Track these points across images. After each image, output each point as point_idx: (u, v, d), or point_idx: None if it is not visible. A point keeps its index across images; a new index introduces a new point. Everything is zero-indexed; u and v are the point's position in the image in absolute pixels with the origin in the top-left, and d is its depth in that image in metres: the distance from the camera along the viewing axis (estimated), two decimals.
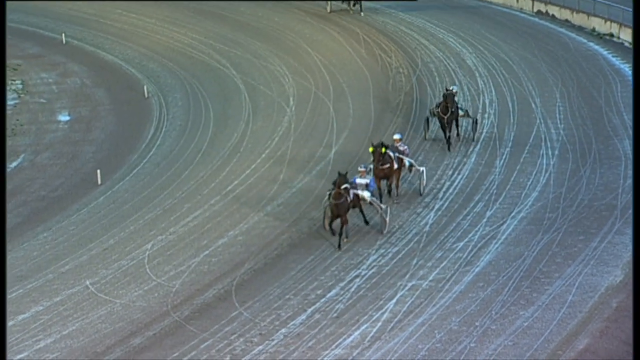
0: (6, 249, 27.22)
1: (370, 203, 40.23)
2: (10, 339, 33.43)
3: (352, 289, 36.21)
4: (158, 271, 37.94)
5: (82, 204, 46.35)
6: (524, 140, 50.36)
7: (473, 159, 48.17)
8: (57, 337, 33.47)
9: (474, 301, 34.50)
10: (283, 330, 33.53)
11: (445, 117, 47.85)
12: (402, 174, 44.18)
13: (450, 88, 50.32)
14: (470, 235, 40.03)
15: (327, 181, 45.43)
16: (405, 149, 44.31)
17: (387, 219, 40.22)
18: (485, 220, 41.38)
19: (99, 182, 48.43)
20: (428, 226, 41.26)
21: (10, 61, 66.42)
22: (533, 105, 55.28)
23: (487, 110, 54.71)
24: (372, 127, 53.36)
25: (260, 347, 32.41)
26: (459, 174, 46.65)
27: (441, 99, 49.66)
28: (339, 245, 38.83)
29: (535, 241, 38.95)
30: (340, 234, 39.03)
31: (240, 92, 59.93)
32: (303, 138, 52.43)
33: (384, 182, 43.08)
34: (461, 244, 39.43)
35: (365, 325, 33.50)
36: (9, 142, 54.39)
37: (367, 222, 40.93)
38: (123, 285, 37.34)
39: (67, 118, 59.71)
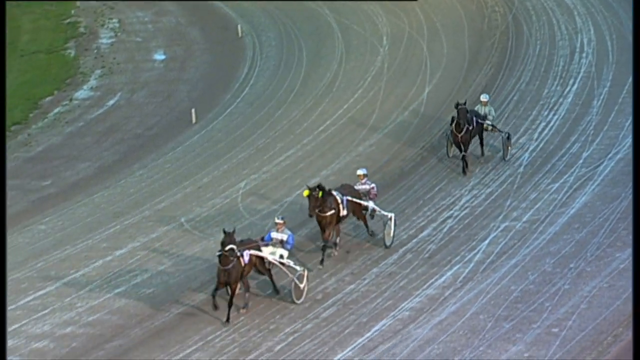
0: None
1: (283, 264, 31.41)
2: (108, 273, 34.25)
3: (445, 230, 36.21)
4: (251, 209, 38.24)
5: (177, 142, 46.83)
6: (623, 80, 49.07)
7: (570, 99, 47.50)
8: (153, 273, 33.93)
9: (568, 243, 34.27)
10: (375, 270, 33.67)
11: (460, 136, 39.41)
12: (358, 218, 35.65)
13: (482, 99, 42.35)
14: (565, 177, 39.65)
15: (421, 121, 45.76)
16: (372, 188, 35.31)
17: (303, 286, 31.42)
18: (581, 161, 40.91)
19: (194, 120, 48.81)
20: (522, 167, 40.96)
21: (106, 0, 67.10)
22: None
23: (585, 49, 53.77)
24: (467, 66, 52.87)
25: (352, 286, 32.59)
26: (555, 114, 46.14)
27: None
28: (227, 319, 30.35)
29: None
30: (230, 305, 30.40)
31: (334, 32, 59.64)
32: (396, 78, 52.16)
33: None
34: (556, 185, 39.14)
35: (458, 266, 33.51)
36: (106, 81, 55.12)
37: (277, 291, 32.00)
38: (217, 223, 37.61)
39: (163, 57, 60.01)
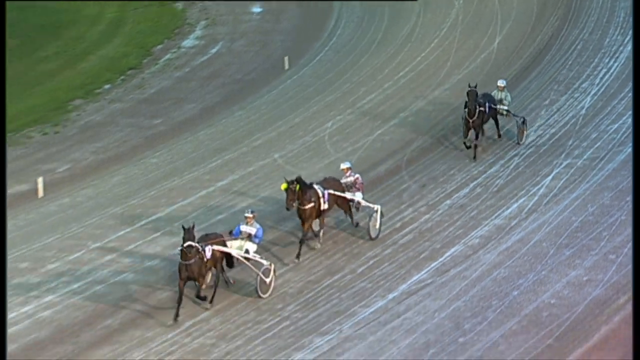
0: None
1: (248, 259, 27.46)
2: (210, 202, 34.62)
3: (511, 166, 35.94)
4: (337, 147, 38.21)
5: (271, 86, 46.93)
6: None
7: (629, 47, 46.61)
8: (250, 202, 34.01)
9: (625, 178, 33.82)
10: (448, 202, 33.54)
11: (472, 121, 35.06)
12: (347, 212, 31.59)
13: (499, 84, 37.74)
14: (624, 118, 39.07)
15: (492, 68, 45.36)
16: (357, 179, 30.88)
17: (269, 280, 27.59)
18: None
19: (286, 67, 48.88)
20: (584, 110, 40.48)
21: None
22: None
23: None
24: (534, 18, 52.19)
25: (427, 216, 32.50)
26: (615, 61, 45.45)
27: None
28: (175, 317, 26.50)
29: None
30: (199, 297, 26.94)
31: None
32: (469, 29, 51.70)
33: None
34: (615, 125, 38.66)
35: (523, 199, 33.27)
36: (210, 31, 55.48)
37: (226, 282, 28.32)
38: (306, 159, 37.84)
39: (259, 10, 60.10)
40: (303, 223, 28.87)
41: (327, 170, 34.95)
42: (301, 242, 29.40)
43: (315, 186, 28.82)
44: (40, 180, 36.30)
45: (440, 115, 41.43)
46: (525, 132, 37.24)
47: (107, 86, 48.12)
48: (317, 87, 46.21)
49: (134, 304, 27.92)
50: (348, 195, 30.28)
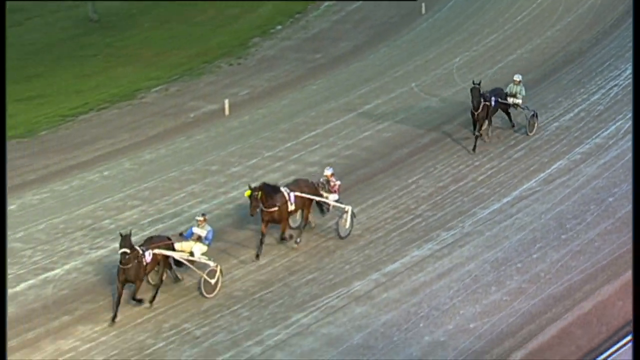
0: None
1: (192, 262, 23.10)
2: (360, 121, 34.89)
3: (611, 95, 35.33)
4: (464, 78, 37.93)
5: (410, 28, 46.83)
6: None
7: None
8: (389, 124, 34.36)
9: None
10: (555, 124, 33.20)
11: (476, 114, 30.44)
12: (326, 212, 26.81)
13: (515, 79, 32.45)
14: None
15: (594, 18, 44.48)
16: (336, 185, 26.06)
17: (214, 282, 23.17)
18: None
19: (423, 12, 48.58)
20: None
21: None
22: None
23: None
24: None
25: (537, 136, 32.27)
26: None
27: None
28: (113, 317, 22.25)
29: None
30: (136, 299, 22.62)
31: None
32: None
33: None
34: None
35: (621, 122, 32.78)
36: None
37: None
38: (437, 88, 37.92)
39: None
40: (265, 225, 24.33)
41: (454, 97, 34.97)
42: (283, 234, 25.13)
43: (283, 189, 24.53)
44: (226, 101, 36.97)
45: (551, 52, 41.28)
46: (536, 124, 32.20)
47: (279, 27, 48.45)
48: (448, 28, 46.03)
49: None
50: (315, 198, 25.59)
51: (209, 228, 22.97)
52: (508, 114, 32.13)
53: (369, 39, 46.05)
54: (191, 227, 23.22)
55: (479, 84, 30.34)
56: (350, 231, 25.74)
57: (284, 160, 31.24)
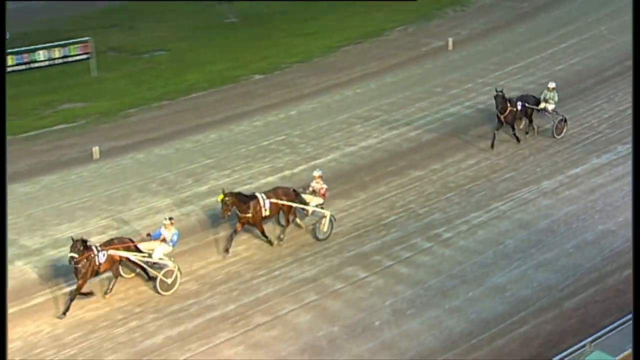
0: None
1: (147, 263, 19.29)
2: (554, 57, 34.01)
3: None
4: None
5: None
6: None
7: None
8: (579, 59, 33.60)
9: None
10: None
11: (502, 117, 25.88)
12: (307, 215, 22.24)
13: (549, 86, 26.88)
14: None
15: None
16: (322, 189, 21.71)
17: (171, 281, 19.31)
18: None
19: None
20: None
21: None
22: None
23: None
24: None
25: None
26: None
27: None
28: (64, 312, 18.48)
29: None
30: (71, 298, 18.66)
31: None
32: None
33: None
34: None
35: None
36: None
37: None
38: (623, 32, 35.22)
39: None
40: (241, 225, 20.84)
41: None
42: (263, 234, 21.32)
43: (259, 195, 20.83)
44: (450, 39, 36.99)
45: None
46: (564, 129, 26.81)
47: None
48: None
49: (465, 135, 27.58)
50: (292, 204, 21.45)
51: (174, 231, 19.34)
52: (530, 120, 26.66)
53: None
54: (159, 229, 19.45)
55: (501, 91, 25.73)
56: (328, 234, 21.39)
57: (492, 86, 31.16)
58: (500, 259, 20.22)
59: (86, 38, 33.82)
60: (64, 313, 18.38)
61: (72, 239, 18.27)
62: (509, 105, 25.65)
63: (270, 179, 24.53)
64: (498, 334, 17.56)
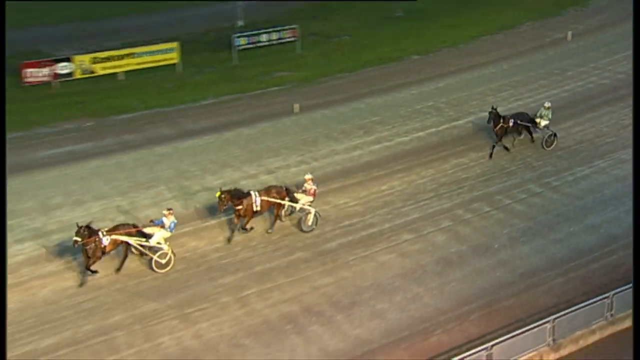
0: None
1: (144, 247, 16.92)
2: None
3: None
4: None
5: None
6: None
7: None
8: None
9: None
10: None
11: (495, 129, 22.07)
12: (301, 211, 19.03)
13: (545, 105, 22.74)
14: None
15: None
16: (312, 189, 18.70)
17: (165, 262, 16.99)
18: None
19: None
20: None
21: None
22: None
23: None
24: None
25: None
26: None
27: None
28: (81, 283, 16.44)
29: None
30: (86, 268, 16.50)
31: None
32: None
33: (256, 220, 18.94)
34: None
35: None
36: None
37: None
38: None
39: None
40: (237, 218, 18.17)
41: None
42: (243, 228, 18.44)
43: (252, 193, 18.17)
44: (569, 32, 34.59)
45: None
46: (554, 142, 22.68)
47: None
48: None
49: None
50: (282, 202, 18.49)
51: (173, 219, 17.11)
52: (529, 132, 22.75)
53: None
54: (162, 217, 17.11)
55: (495, 109, 21.98)
56: (312, 228, 18.54)
57: (602, 70, 29.08)
58: (597, 204, 19.25)
59: (294, 26, 34.29)
60: (89, 271, 16.19)
61: (77, 225, 15.98)
62: (500, 121, 21.84)
63: (420, 133, 24.09)
64: (592, 260, 16.88)
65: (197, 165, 21.96)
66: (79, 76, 28.45)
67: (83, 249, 16.17)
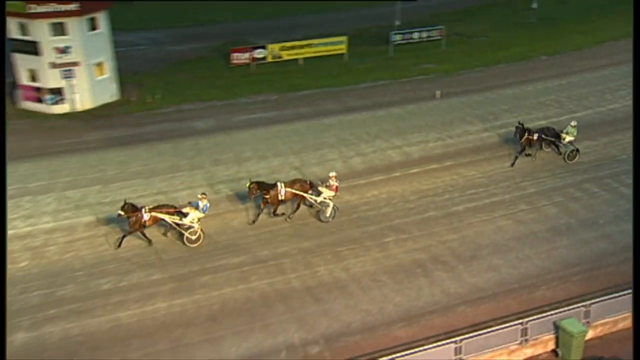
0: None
1: (178, 224, 15.95)
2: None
3: None
4: None
5: None
6: None
7: None
8: None
9: None
10: None
11: (520, 142, 19.47)
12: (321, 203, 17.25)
13: (572, 123, 19.69)
14: None
15: None
16: (334, 185, 16.90)
17: (195, 238, 16.06)
18: None
19: None
20: None
21: None
22: None
23: None
24: None
25: None
26: None
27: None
28: (119, 244, 15.91)
29: None
30: (124, 235, 16.01)
31: None
32: None
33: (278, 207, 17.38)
34: None
35: None
36: None
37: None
38: None
39: None
40: (263, 204, 16.99)
41: None
42: (275, 213, 17.24)
43: (279, 184, 16.86)
44: None
45: None
46: (577, 158, 19.75)
47: None
48: None
49: None
50: (305, 195, 17.15)
51: (206, 203, 16.08)
52: (556, 146, 20.02)
53: None
54: (197, 200, 16.12)
55: (522, 124, 19.64)
56: (330, 219, 17.02)
57: None
58: None
59: (441, 26, 33.36)
60: (120, 244, 15.83)
61: (125, 201, 15.56)
62: (526, 134, 19.56)
63: (542, 122, 22.49)
64: None
65: (354, 135, 22.33)
66: (270, 60, 29.26)
67: (128, 221, 15.60)
